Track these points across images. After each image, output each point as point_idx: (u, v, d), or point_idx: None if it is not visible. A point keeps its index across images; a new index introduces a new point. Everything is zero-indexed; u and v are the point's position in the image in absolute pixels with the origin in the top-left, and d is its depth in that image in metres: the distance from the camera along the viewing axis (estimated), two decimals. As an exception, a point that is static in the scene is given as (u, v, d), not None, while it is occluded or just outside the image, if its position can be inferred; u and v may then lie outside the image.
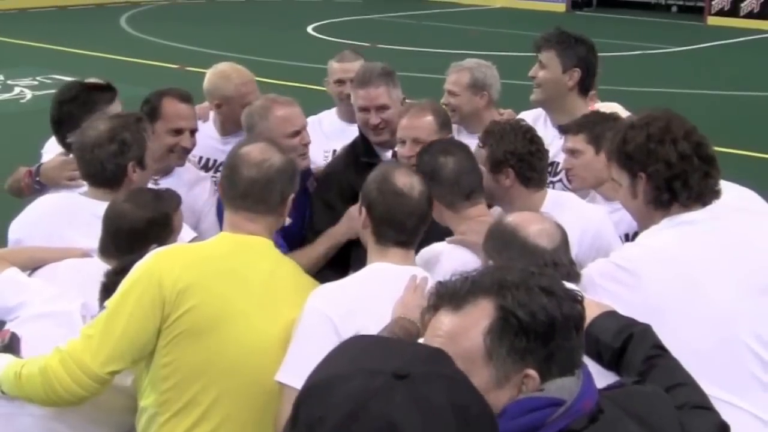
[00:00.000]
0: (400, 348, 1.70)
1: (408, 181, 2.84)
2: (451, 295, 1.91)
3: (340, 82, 4.82)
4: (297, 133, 3.80)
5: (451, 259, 2.99)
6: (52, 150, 4.24)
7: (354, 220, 3.64)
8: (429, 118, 3.62)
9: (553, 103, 4.23)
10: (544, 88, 4.21)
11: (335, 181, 3.94)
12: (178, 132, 3.99)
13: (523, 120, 3.77)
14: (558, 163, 4.10)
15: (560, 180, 4.12)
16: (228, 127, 4.48)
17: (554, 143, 4.06)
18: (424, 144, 3.42)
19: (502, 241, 2.66)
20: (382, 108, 3.94)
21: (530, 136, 3.46)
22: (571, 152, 3.65)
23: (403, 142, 3.64)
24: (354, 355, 1.65)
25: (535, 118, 4.26)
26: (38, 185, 3.88)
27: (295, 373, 2.60)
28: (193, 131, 4.05)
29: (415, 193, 2.83)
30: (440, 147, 3.29)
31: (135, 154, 3.44)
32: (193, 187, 4.04)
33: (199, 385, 2.70)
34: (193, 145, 4.08)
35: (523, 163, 3.39)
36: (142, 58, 15.44)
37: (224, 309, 2.72)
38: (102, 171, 3.44)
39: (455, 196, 3.16)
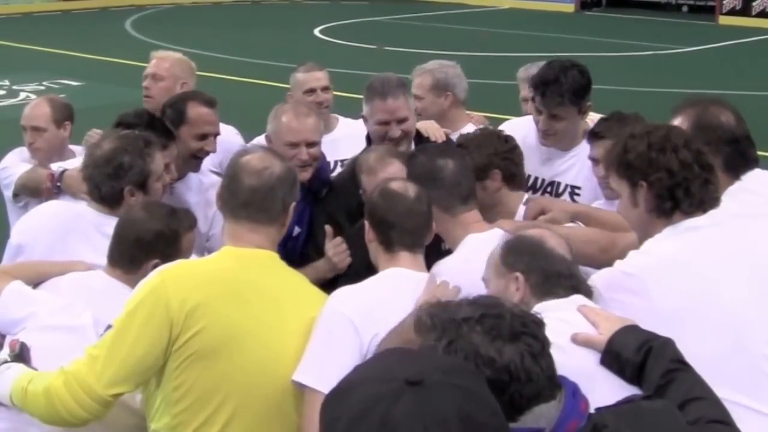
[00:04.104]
0: (427, 357, 1.75)
1: (403, 185, 2.95)
2: None
3: (311, 91, 4.81)
4: (295, 145, 3.73)
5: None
6: (11, 163, 4.43)
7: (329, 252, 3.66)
8: (396, 165, 3.49)
9: (569, 140, 4.08)
10: (563, 135, 4.03)
11: (341, 195, 3.84)
12: (204, 137, 4.02)
13: (489, 125, 3.92)
14: (559, 183, 4.08)
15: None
16: None
17: (551, 162, 4.07)
18: None
19: (529, 252, 2.64)
20: (402, 120, 3.87)
21: (504, 136, 3.60)
22: None
23: None
24: (382, 363, 1.71)
25: (526, 133, 4.13)
26: (57, 190, 3.92)
27: (314, 373, 2.63)
28: (216, 135, 4.09)
29: (410, 194, 2.90)
30: (437, 149, 3.33)
31: (133, 179, 3.41)
32: (206, 192, 4.03)
33: (213, 405, 2.66)
34: (215, 149, 4.11)
35: (507, 161, 3.50)
36: (148, 61, 15.35)
37: (234, 328, 2.68)
38: (97, 191, 3.45)
39: (454, 199, 3.13)
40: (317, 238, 3.80)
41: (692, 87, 13.28)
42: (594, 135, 3.69)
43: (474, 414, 1.54)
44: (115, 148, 3.42)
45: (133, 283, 2.90)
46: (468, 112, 4.87)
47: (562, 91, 3.91)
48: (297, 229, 3.75)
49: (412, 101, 3.97)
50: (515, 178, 3.53)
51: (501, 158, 3.49)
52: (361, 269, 3.20)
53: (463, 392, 1.57)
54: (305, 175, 3.73)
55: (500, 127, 4.14)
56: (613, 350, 2.33)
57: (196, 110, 4.02)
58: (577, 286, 2.58)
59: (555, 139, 4.03)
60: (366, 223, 2.94)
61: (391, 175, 3.37)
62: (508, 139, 3.60)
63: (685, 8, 22.96)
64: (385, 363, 1.70)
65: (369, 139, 4.00)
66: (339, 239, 3.61)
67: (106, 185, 3.41)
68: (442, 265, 2.99)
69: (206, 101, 4.09)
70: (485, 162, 3.46)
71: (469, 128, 4.38)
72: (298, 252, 3.74)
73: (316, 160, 3.82)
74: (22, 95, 12.85)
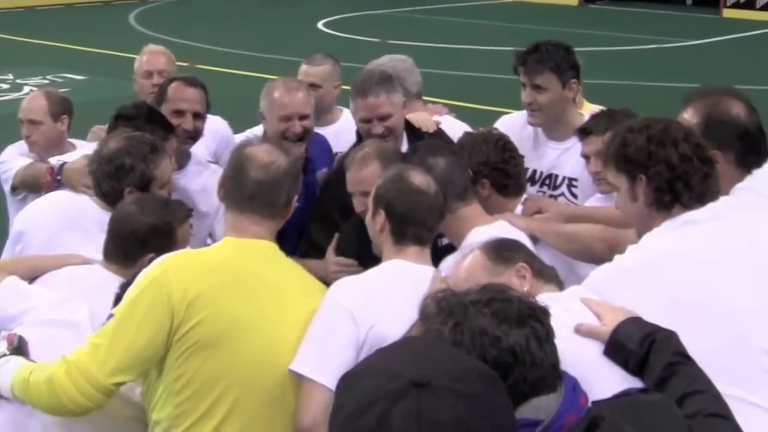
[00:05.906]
0: (442, 356, 1.69)
1: (424, 179, 2.91)
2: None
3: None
4: (287, 118, 3.79)
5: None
6: (9, 158, 4.45)
7: (331, 266, 3.59)
8: (372, 167, 3.38)
9: (555, 122, 4.06)
10: (548, 110, 4.01)
11: (335, 190, 3.78)
12: (179, 113, 4.01)
13: (495, 129, 3.78)
14: (557, 176, 4.05)
15: (562, 194, 4.03)
16: None
17: (547, 154, 4.03)
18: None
19: (518, 244, 2.76)
20: (384, 117, 3.81)
21: (502, 143, 3.52)
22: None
23: (353, 195, 3.46)
24: (397, 354, 1.69)
25: (523, 126, 4.11)
26: (57, 184, 3.91)
27: (311, 363, 2.66)
28: (196, 114, 4.06)
29: (432, 190, 2.89)
30: (427, 148, 3.28)
31: (133, 182, 3.41)
32: (206, 180, 4.01)
33: (214, 395, 2.68)
34: (197, 129, 4.08)
35: (498, 171, 3.46)
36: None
37: (236, 318, 2.70)
38: (98, 187, 3.48)
39: (449, 196, 3.11)
40: (311, 233, 3.82)
41: (696, 80, 13.19)
42: (583, 132, 3.68)
43: (472, 426, 1.53)
44: (120, 149, 3.43)
45: (130, 278, 2.90)
46: (438, 102, 4.79)
47: (542, 59, 3.96)
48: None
49: (398, 96, 3.88)
50: (507, 187, 3.47)
51: (491, 168, 3.43)
52: (351, 255, 3.27)
53: (466, 402, 1.54)
54: (299, 149, 3.76)
55: (498, 122, 4.13)
56: (616, 341, 2.33)
57: (175, 88, 4.07)
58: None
59: (541, 116, 4.00)
60: (382, 212, 2.88)
61: (365, 177, 3.30)
62: (507, 146, 3.52)
63: (689, 1, 22.83)
64: (399, 355, 1.68)
65: (359, 134, 3.97)
66: (353, 261, 3.50)
67: (106, 183, 3.43)
68: (450, 261, 2.98)
69: (188, 81, 4.13)
70: (473, 169, 3.40)
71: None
72: (295, 224, 3.60)
73: (308, 132, 3.87)
74: (26, 89, 12.77)
